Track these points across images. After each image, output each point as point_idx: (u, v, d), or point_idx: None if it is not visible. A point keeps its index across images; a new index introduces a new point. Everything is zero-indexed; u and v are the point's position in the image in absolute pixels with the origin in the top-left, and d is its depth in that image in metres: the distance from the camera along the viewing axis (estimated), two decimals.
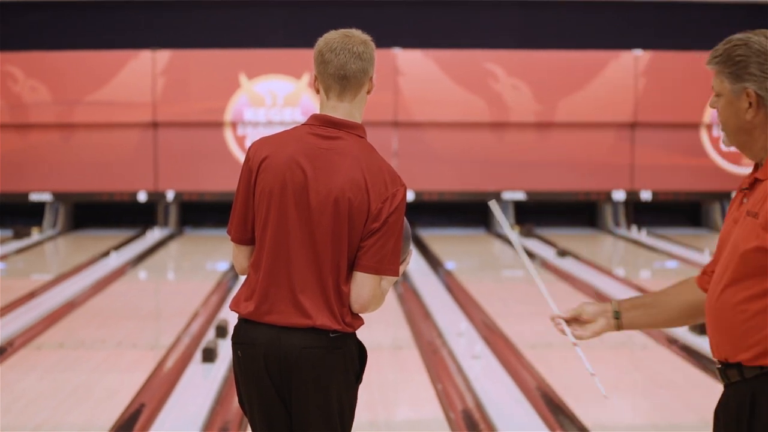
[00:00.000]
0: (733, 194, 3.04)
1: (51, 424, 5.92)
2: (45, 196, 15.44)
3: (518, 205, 15.99)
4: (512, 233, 3.41)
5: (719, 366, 2.91)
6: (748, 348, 2.81)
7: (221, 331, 7.95)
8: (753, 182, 2.89)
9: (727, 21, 16.10)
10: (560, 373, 7.05)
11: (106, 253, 12.89)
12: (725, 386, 2.90)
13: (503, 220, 3.38)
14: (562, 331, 3.20)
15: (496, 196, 15.74)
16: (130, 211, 16.04)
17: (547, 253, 13.12)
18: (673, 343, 7.93)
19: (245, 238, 3.43)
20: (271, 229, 3.35)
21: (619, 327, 3.18)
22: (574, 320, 3.21)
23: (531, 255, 13.17)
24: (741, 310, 2.82)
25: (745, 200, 2.89)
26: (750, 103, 2.85)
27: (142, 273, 12.23)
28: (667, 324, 3.19)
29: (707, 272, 3.07)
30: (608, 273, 11.57)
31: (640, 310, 3.18)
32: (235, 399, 5.73)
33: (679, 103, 15.69)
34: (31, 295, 9.90)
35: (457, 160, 15.62)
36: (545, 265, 12.26)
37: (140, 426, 5.85)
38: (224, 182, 15.23)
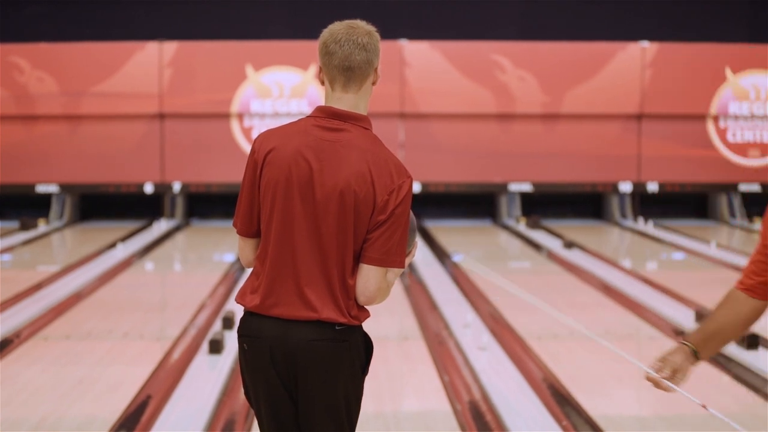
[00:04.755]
0: None
1: (55, 416, 5.92)
2: (51, 188, 15.45)
3: (525, 197, 15.98)
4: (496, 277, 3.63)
5: None
6: None
7: (228, 323, 7.96)
8: None
9: (732, 12, 16.06)
10: (566, 365, 7.05)
11: (112, 245, 12.90)
12: None
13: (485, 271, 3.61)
14: (668, 389, 3.43)
15: (503, 187, 15.73)
16: (137, 202, 16.06)
17: (553, 244, 13.11)
18: (679, 334, 7.91)
19: (251, 230, 3.43)
20: (276, 222, 3.34)
21: (698, 361, 3.50)
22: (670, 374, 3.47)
23: (537, 247, 13.15)
24: None
25: None
26: None
27: (148, 264, 12.23)
28: (734, 339, 3.55)
29: (753, 275, 3.40)
30: (615, 264, 11.56)
31: (712, 342, 3.47)
32: (242, 390, 5.74)
33: (686, 94, 15.66)
34: (38, 287, 9.91)
35: (464, 152, 15.61)
36: (552, 256, 12.25)
37: (147, 417, 5.86)
38: (231, 174, 15.24)
